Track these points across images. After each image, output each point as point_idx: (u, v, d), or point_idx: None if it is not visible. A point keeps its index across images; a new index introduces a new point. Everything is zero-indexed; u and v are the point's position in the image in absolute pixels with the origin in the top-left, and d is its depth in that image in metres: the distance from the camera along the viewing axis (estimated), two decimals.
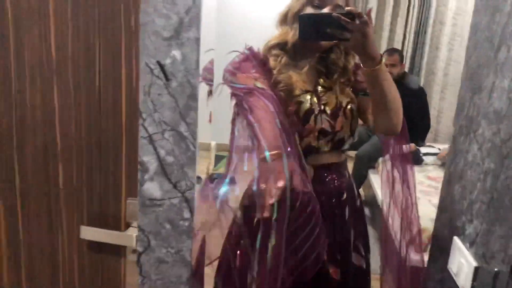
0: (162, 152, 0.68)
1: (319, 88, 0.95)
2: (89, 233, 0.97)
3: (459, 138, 0.88)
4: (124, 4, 0.84)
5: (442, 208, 0.93)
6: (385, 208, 1.15)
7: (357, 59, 0.96)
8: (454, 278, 0.76)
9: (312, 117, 0.92)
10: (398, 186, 1.12)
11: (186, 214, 0.69)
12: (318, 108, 0.93)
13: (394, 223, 1.12)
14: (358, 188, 2.91)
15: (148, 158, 0.68)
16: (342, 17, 0.79)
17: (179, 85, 0.65)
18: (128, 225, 0.95)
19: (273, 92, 0.87)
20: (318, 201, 0.87)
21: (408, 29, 4.24)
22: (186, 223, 0.70)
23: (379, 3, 4.16)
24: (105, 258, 1.01)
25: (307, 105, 0.92)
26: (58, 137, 0.97)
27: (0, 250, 1.04)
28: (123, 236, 0.94)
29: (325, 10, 0.88)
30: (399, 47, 4.17)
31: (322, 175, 0.97)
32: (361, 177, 3.39)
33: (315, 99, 0.94)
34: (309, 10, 0.91)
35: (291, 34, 0.91)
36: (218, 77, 0.85)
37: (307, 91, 0.94)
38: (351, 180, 1.03)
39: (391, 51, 3.34)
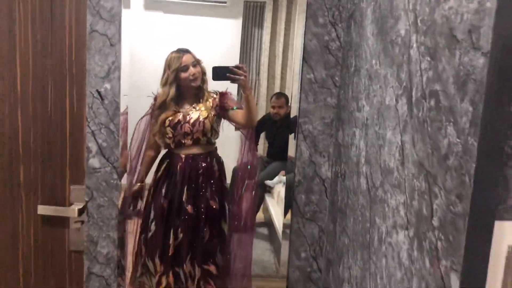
0: (99, 140, 1.20)
1: (191, 109, 1.62)
2: (45, 209, 1.43)
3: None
4: (68, 57, 1.37)
5: None
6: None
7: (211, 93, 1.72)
8: None
9: (179, 125, 1.57)
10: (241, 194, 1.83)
11: (114, 176, 1.22)
12: (183, 120, 1.58)
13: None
14: (257, 211, 3.48)
15: (91, 144, 1.20)
16: (234, 69, 1.52)
17: (109, 103, 1.19)
18: (71, 204, 1.43)
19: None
20: (183, 172, 1.54)
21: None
22: (115, 182, 1.22)
23: (270, 55, 4.99)
24: (54, 229, 1.46)
25: (176, 119, 1.57)
26: (20, 146, 1.43)
27: None
28: (69, 210, 1.41)
29: (192, 68, 1.58)
30: (290, 93, 4.97)
31: (188, 158, 1.61)
32: (258, 200, 4.00)
33: (182, 115, 1.59)
34: (182, 74, 1.59)
35: (172, 91, 1.59)
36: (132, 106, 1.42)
37: (178, 112, 1.60)
38: (212, 161, 1.68)
39: (278, 95, 4.06)
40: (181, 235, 1.54)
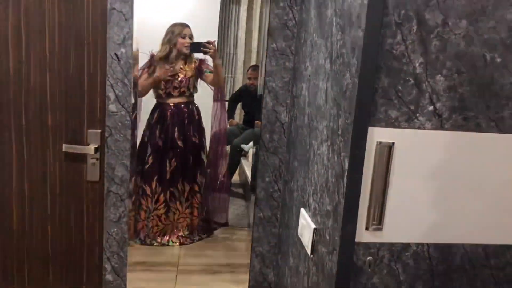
0: (116, 91, 1.62)
1: (181, 68, 2.15)
2: (68, 148, 1.84)
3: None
4: (86, 28, 1.77)
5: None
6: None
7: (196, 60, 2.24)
8: None
9: (170, 81, 2.10)
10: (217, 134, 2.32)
11: (128, 118, 1.64)
12: (173, 78, 2.11)
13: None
14: (233, 172, 3.96)
15: (110, 94, 1.62)
16: (206, 44, 2.08)
17: (124, 63, 1.61)
18: (88, 144, 1.85)
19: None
20: (172, 116, 2.08)
21: None
22: (128, 122, 1.64)
23: (247, 31, 5.36)
24: (75, 164, 1.88)
25: (167, 76, 2.09)
26: (48, 97, 1.83)
27: (11, 167, 1.85)
28: (87, 148, 1.83)
29: (187, 38, 2.12)
30: (262, 61, 5.38)
31: (175, 106, 2.13)
32: (235, 163, 4.47)
33: (173, 74, 2.12)
34: (181, 39, 2.11)
35: (174, 51, 2.10)
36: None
37: (171, 70, 2.11)
38: (193, 108, 2.24)
39: (254, 67, 4.47)
40: (174, 163, 2.06)
